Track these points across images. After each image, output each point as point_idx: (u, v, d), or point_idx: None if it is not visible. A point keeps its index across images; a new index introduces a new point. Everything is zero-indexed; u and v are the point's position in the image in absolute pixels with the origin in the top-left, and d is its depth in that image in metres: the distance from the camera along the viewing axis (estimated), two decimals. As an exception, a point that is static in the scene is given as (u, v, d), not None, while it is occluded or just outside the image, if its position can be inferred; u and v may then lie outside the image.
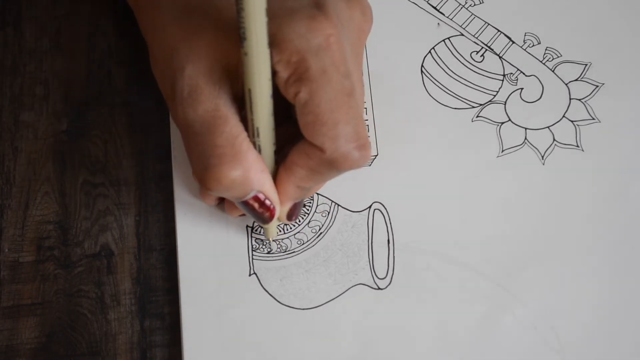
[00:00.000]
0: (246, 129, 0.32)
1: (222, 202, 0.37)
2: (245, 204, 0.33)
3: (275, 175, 0.34)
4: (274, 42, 0.31)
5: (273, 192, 0.33)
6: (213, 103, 0.32)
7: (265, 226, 0.36)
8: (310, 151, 0.32)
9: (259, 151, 0.33)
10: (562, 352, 0.35)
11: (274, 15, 0.30)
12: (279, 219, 0.35)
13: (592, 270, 0.37)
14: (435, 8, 0.42)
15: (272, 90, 0.31)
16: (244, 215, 0.36)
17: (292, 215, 0.35)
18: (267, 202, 0.33)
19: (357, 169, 0.33)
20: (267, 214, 0.34)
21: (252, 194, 0.33)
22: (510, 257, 0.37)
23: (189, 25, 0.33)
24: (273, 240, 0.37)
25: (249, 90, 0.31)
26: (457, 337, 0.35)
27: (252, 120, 0.32)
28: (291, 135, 0.33)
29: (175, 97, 0.32)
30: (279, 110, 0.33)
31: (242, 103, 0.32)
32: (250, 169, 0.32)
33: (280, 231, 0.37)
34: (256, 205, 0.33)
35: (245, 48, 0.29)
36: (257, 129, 0.32)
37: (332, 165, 0.32)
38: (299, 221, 0.37)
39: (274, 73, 0.31)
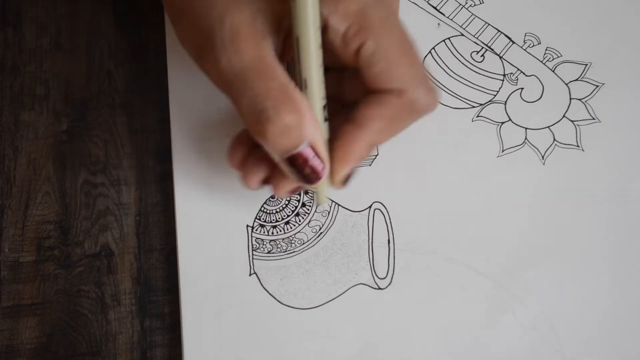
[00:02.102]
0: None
1: (264, 184, 0.35)
2: (293, 159, 0.31)
3: (333, 140, 0.32)
4: None
5: (324, 147, 0.32)
6: (258, 52, 0.31)
7: (316, 188, 0.34)
8: (387, 99, 0.31)
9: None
10: (562, 352, 0.35)
11: None
12: (334, 183, 0.33)
13: (592, 270, 0.37)
14: (435, 8, 0.42)
15: (320, 41, 0.30)
16: (294, 191, 0.34)
17: (348, 179, 0.34)
18: (315, 160, 0.31)
19: (431, 112, 0.32)
20: (316, 173, 0.32)
21: (303, 145, 0.31)
22: (510, 257, 0.37)
23: None
24: (322, 206, 0.35)
25: (297, 38, 0.30)
26: (457, 337, 0.35)
27: (299, 71, 0.31)
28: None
29: (216, 47, 0.31)
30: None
31: (283, 58, 0.32)
32: (306, 116, 0.30)
33: (280, 231, 0.37)
34: (308, 157, 0.31)
35: None
36: (305, 80, 0.31)
37: (413, 108, 0.32)
38: (299, 221, 0.37)
39: (325, 29, 0.31)
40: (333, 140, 0.33)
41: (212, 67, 0.32)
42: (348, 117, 0.32)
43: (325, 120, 0.32)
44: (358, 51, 0.31)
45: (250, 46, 0.30)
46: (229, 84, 0.31)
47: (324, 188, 0.34)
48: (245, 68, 0.30)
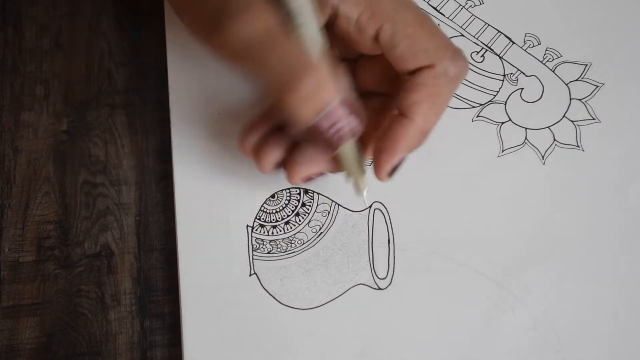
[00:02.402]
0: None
1: (277, 167, 0.35)
2: (327, 119, 0.30)
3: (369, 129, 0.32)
4: None
5: (355, 99, 0.31)
6: (273, 21, 0.30)
7: (353, 176, 0.33)
8: (421, 79, 0.31)
9: None
10: (562, 352, 0.35)
11: None
12: (380, 174, 0.33)
13: (592, 270, 0.37)
14: (435, 9, 0.42)
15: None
16: (308, 179, 0.34)
17: (394, 170, 0.33)
18: (348, 118, 0.30)
19: (466, 75, 0.32)
20: (357, 125, 0.31)
21: (332, 105, 0.30)
22: (510, 257, 0.37)
23: None
24: (365, 192, 0.34)
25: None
26: (457, 337, 0.35)
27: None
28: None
29: (230, 17, 0.30)
30: None
31: None
32: (329, 79, 0.29)
33: (280, 231, 0.37)
34: (340, 116, 0.30)
35: None
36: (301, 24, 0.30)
37: (448, 77, 0.31)
38: (299, 221, 0.37)
39: (335, 19, 0.30)
40: (381, 134, 0.32)
41: (225, 41, 0.30)
42: (386, 110, 0.32)
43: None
44: (376, 36, 0.31)
45: (266, 14, 0.30)
46: (244, 55, 0.30)
47: (360, 176, 0.33)
48: (264, 34, 0.30)
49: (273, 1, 0.30)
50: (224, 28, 0.30)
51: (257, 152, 0.34)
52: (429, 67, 0.31)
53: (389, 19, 0.30)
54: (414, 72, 0.31)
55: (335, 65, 0.30)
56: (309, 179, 0.35)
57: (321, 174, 0.35)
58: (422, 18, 0.31)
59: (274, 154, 0.34)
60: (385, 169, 0.32)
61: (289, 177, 0.34)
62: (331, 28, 0.31)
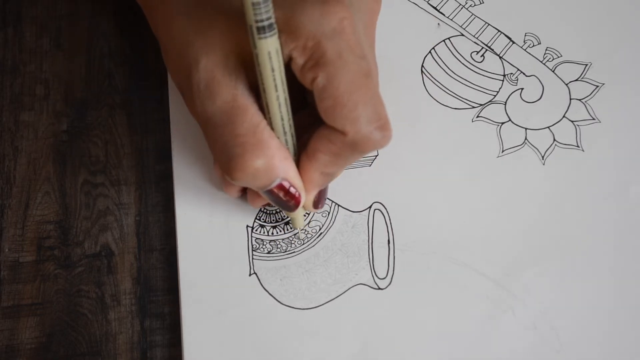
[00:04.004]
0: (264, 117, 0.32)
1: (245, 193, 0.37)
2: (271, 192, 0.33)
3: (298, 164, 0.34)
4: (289, 29, 0.31)
5: (297, 179, 0.33)
6: (231, 94, 0.32)
7: (293, 215, 0.36)
8: (332, 136, 0.32)
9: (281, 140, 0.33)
10: (562, 352, 0.35)
11: (286, 2, 0.30)
12: (305, 208, 0.35)
13: (592, 270, 0.37)
14: (435, 8, 0.42)
15: (285, 82, 0.31)
16: (267, 204, 0.36)
17: (318, 202, 0.35)
18: (292, 189, 0.33)
19: (379, 149, 0.33)
20: (292, 202, 0.34)
21: (276, 182, 0.33)
22: (510, 257, 0.37)
23: (201, 17, 0.33)
24: (301, 230, 0.37)
25: (263, 89, 0.31)
26: (457, 337, 0.35)
27: (269, 119, 0.32)
28: (308, 124, 0.34)
29: (192, 90, 0.32)
30: (294, 99, 0.33)
31: (258, 92, 0.32)
32: (274, 157, 0.32)
33: (280, 231, 0.37)
34: (281, 193, 0.33)
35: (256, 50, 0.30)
36: (274, 124, 0.32)
37: (355, 148, 0.32)
38: (299, 221, 0.37)
39: (289, 60, 0.31)
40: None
41: (191, 110, 0.34)
42: (305, 146, 0.34)
43: (295, 155, 0.34)
44: (312, 84, 0.31)
45: (222, 89, 0.32)
46: (203, 127, 0.33)
47: (299, 213, 0.36)
48: (216, 113, 0.32)
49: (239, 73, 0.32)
50: (189, 98, 0.33)
51: (223, 179, 0.36)
52: (342, 132, 0.31)
53: (324, 73, 0.31)
54: (331, 127, 0.32)
55: (282, 142, 0.33)
56: (269, 204, 0.36)
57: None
58: (359, 83, 0.31)
59: (236, 186, 0.36)
60: (306, 205, 0.35)
61: (251, 204, 0.37)
62: (289, 67, 0.32)
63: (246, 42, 0.31)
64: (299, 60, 0.31)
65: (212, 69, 0.32)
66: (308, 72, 0.31)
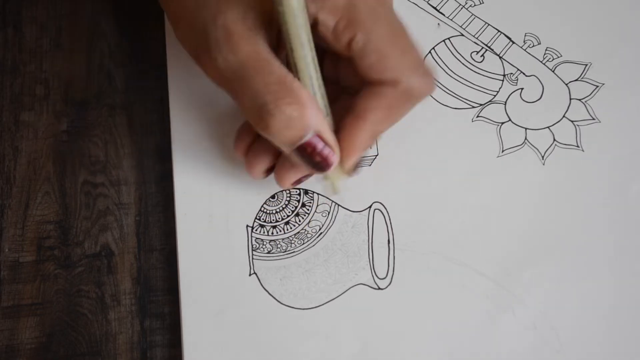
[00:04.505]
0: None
1: (268, 174, 0.36)
2: (302, 149, 0.31)
3: (338, 130, 0.33)
4: None
5: (331, 134, 0.32)
6: (253, 48, 0.31)
7: (330, 178, 0.35)
8: (383, 90, 0.32)
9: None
10: (562, 352, 0.35)
11: None
12: (347, 172, 0.34)
13: (592, 270, 0.37)
14: (435, 8, 0.42)
15: (311, 39, 0.31)
16: (298, 182, 0.35)
17: (357, 167, 0.35)
18: (324, 149, 0.32)
19: (428, 96, 0.32)
20: (327, 160, 0.32)
21: (309, 135, 0.31)
22: (510, 257, 0.37)
23: None
24: (337, 196, 0.36)
25: (290, 47, 0.31)
26: (457, 337, 0.35)
27: (297, 74, 0.31)
28: (328, 97, 0.33)
29: (211, 47, 0.31)
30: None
31: (279, 51, 0.32)
32: (307, 106, 0.31)
33: (280, 231, 0.37)
34: (315, 149, 0.31)
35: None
36: (303, 81, 0.32)
37: (409, 96, 0.32)
38: (299, 221, 0.37)
39: (315, 25, 0.31)
40: (337, 132, 0.33)
41: (210, 67, 0.32)
42: (349, 108, 0.33)
43: (327, 114, 0.33)
44: (349, 44, 0.31)
45: (244, 43, 0.31)
46: (228, 82, 0.32)
47: (337, 176, 0.34)
48: (242, 65, 0.31)
49: (264, 25, 0.31)
50: (207, 55, 0.32)
51: (247, 160, 0.35)
52: (393, 82, 0.31)
53: (362, 30, 0.31)
54: (378, 82, 0.32)
55: (315, 93, 0.32)
56: (298, 182, 0.35)
57: (309, 175, 0.35)
58: (397, 34, 0.31)
59: (263, 162, 0.35)
60: (345, 167, 0.34)
61: (279, 183, 0.35)
62: (313, 32, 0.31)
63: (265, 0, 0.30)
64: (329, 21, 0.31)
65: (231, 25, 0.31)
66: (343, 33, 0.31)
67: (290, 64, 0.32)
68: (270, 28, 0.31)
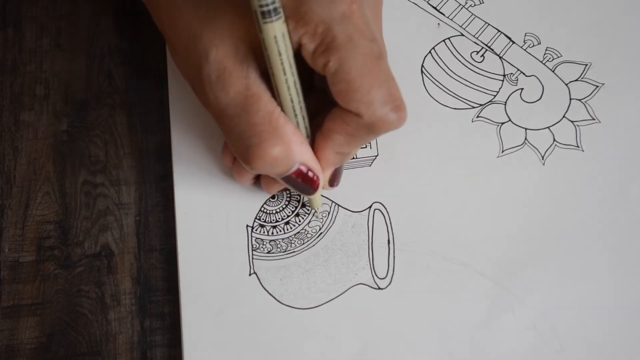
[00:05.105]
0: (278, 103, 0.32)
1: (257, 181, 0.37)
2: (289, 178, 0.33)
3: (312, 144, 0.34)
4: (298, 15, 0.31)
5: (315, 162, 0.34)
6: (243, 83, 0.32)
7: (310, 197, 0.36)
8: (347, 117, 0.32)
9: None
10: (562, 352, 0.35)
11: None
12: (323, 187, 0.35)
13: (592, 270, 0.37)
14: (435, 8, 0.42)
15: (293, 66, 0.31)
16: (283, 189, 0.37)
17: (333, 181, 0.36)
18: (310, 173, 0.33)
19: (395, 129, 0.33)
20: (311, 185, 0.34)
21: (295, 168, 0.33)
22: (510, 257, 0.37)
23: (207, 9, 0.33)
24: (316, 211, 0.38)
25: (272, 73, 0.31)
26: (457, 336, 0.35)
27: (279, 102, 0.32)
28: (318, 105, 0.34)
29: (204, 83, 0.32)
30: (303, 81, 0.33)
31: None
32: (291, 143, 0.32)
33: (280, 231, 0.37)
34: (300, 178, 0.33)
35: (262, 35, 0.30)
36: (285, 109, 0.32)
37: (371, 130, 0.32)
38: (299, 221, 0.37)
39: (299, 47, 0.31)
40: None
41: (204, 102, 0.34)
42: (320, 125, 0.34)
43: (308, 137, 0.34)
44: (324, 68, 0.32)
45: (234, 79, 0.32)
46: (218, 118, 0.33)
47: (317, 195, 0.36)
48: (231, 104, 0.32)
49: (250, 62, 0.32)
50: (200, 91, 0.33)
51: (235, 168, 0.36)
52: (356, 114, 0.32)
53: (336, 57, 0.31)
54: (346, 109, 0.32)
55: (297, 127, 0.33)
56: (285, 189, 0.37)
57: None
58: (371, 65, 0.31)
59: (250, 172, 0.36)
60: (322, 184, 0.35)
61: (266, 191, 0.37)
62: (299, 54, 0.32)
63: (254, 29, 0.31)
64: (309, 46, 0.31)
65: (223, 60, 0.32)
66: (319, 58, 0.31)
67: (273, 87, 0.32)
68: (262, 55, 0.32)
